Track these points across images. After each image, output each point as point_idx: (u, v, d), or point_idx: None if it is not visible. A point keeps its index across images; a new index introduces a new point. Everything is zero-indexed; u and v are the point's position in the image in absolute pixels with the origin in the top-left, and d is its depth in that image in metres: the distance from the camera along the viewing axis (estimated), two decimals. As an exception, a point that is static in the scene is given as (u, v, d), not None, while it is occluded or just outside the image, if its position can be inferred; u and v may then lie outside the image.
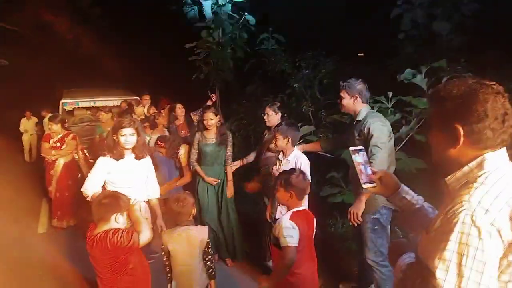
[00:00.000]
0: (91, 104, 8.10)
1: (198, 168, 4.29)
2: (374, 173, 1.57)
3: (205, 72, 9.37)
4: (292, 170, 2.70)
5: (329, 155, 4.75)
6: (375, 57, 7.46)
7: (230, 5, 8.96)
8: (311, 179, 3.49)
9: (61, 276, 4.14)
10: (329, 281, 3.64)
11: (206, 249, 2.75)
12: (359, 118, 3.13)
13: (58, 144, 5.42)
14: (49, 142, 5.43)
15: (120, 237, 2.13)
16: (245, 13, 8.92)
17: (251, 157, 4.48)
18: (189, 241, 2.70)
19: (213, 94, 7.00)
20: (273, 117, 4.21)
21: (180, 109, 5.86)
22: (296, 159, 3.41)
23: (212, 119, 4.16)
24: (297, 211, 2.58)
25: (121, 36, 14.45)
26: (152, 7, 12.93)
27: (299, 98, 7.67)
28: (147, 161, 3.50)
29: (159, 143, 4.52)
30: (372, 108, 4.09)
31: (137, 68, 13.58)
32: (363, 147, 1.65)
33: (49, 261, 4.52)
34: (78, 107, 8.11)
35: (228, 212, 4.27)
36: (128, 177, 3.31)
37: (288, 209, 2.62)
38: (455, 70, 4.39)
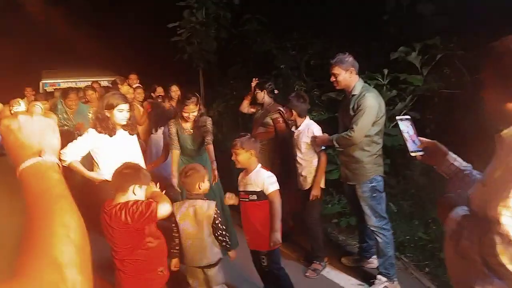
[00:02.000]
0: (72, 84, 7.84)
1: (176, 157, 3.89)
2: (421, 142, 1.60)
3: (189, 52, 9.20)
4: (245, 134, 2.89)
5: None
6: (361, 38, 7.48)
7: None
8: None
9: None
10: (331, 257, 3.70)
11: (214, 225, 2.73)
12: (355, 92, 3.14)
13: None
14: None
15: (139, 207, 2.09)
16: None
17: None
18: (195, 215, 2.68)
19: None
20: (259, 94, 4.38)
21: (174, 91, 5.73)
22: (307, 127, 3.49)
23: (193, 112, 3.74)
24: None
25: (98, 16, 13.99)
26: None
27: (285, 79, 7.67)
28: (136, 138, 3.43)
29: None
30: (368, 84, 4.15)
31: (118, 49, 13.21)
32: (409, 116, 1.68)
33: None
34: (59, 88, 7.85)
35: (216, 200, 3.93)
36: (123, 152, 3.17)
37: (252, 167, 2.83)
38: (448, 48, 4.47)
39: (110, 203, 2.22)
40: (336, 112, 4.81)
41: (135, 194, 2.22)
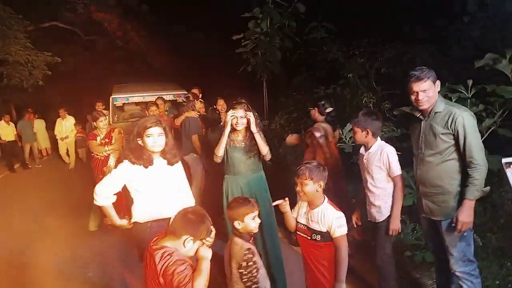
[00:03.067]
0: (140, 99, 8.06)
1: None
2: None
3: (253, 64, 9.07)
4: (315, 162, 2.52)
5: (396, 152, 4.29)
6: (437, 43, 6.78)
7: (278, -7, 8.56)
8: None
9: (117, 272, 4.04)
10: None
11: (240, 270, 2.32)
12: (439, 109, 2.67)
13: (107, 140, 5.34)
14: (96, 140, 5.35)
15: (179, 273, 1.84)
16: (295, 0, 8.48)
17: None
18: (230, 255, 2.37)
19: None
20: (312, 111, 4.33)
21: (221, 105, 5.59)
22: (381, 149, 3.01)
23: (242, 118, 3.36)
24: None
25: (168, 31, 14.52)
26: (198, 2, 12.79)
27: (353, 88, 7.18)
28: (180, 166, 3.02)
29: None
30: (450, 98, 3.61)
31: (184, 63, 13.58)
32: None
33: (102, 258, 4.46)
34: (128, 103, 8.10)
35: (269, 231, 3.41)
36: (159, 185, 2.85)
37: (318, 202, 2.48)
38: (549, 53, 3.76)
39: (158, 241, 2.01)
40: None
41: (184, 247, 1.96)
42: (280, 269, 3.45)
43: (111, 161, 5.30)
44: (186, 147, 5.24)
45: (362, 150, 3.18)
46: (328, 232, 2.40)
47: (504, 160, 1.22)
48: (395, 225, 2.98)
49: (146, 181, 2.80)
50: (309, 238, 2.48)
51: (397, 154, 3.24)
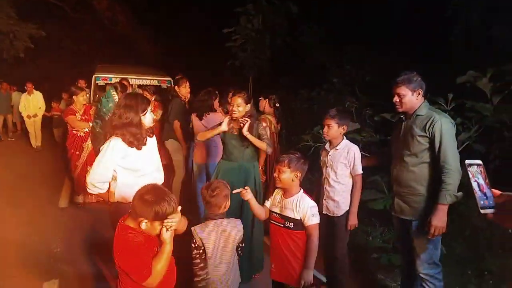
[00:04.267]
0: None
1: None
2: (495, 195, 1.23)
3: (241, 59, 9.08)
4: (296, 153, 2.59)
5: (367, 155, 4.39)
6: (424, 58, 6.96)
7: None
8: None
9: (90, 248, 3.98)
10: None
11: (240, 244, 2.51)
12: (421, 112, 2.75)
13: (86, 117, 5.28)
14: (75, 116, 5.27)
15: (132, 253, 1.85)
16: (288, 1, 8.54)
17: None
18: (225, 237, 2.41)
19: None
20: (261, 101, 4.68)
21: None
22: (347, 148, 3.09)
23: (239, 106, 3.41)
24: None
25: (157, 18, 14.34)
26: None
27: (337, 93, 7.30)
28: (154, 141, 2.92)
29: None
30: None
31: (171, 51, 13.45)
32: (481, 162, 1.29)
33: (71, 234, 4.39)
34: (110, 83, 7.95)
35: (253, 219, 3.44)
36: (151, 161, 2.79)
37: (294, 191, 2.53)
38: (528, 76, 3.92)
39: (124, 220, 2.00)
40: (389, 135, 4.41)
41: (140, 227, 1.91)
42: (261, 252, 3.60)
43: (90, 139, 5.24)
44: (166, 131, 5.19)
45: (327, 146, 3.24)
46: (301, 220, 2.44)
47: (467, 161, 1.26)
48: (354, 220, 3.11)
49: (141, 160, 2.70)
50: (282, 225, 2.51)
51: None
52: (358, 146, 3.23)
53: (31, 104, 9.41)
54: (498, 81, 4.02)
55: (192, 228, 2.37)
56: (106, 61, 9.62)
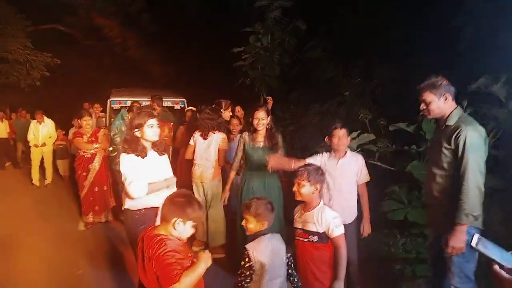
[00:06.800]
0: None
1: (232, 174, 3.98)
2: None
3: (251, 77, 9.20)
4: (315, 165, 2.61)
5: (389, 167, 4.38)
6: (433, 67, 6.98)
7: (279, 9, 8.76)
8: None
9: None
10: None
11: (290, 257, 2.46)
12: (450, 122, 2.62)
13: (93, 138, 5.46)
14: (82, 138, 5.44)
15: (165, 261, 1.90)
16: (296, 18, 8.67)
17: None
18: (278, 251, 2.38)
19: (269, 97, 6.66)
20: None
21: (239, 111, 5.70)
22: (355, 158, 3.21)
23: (263, 119, 3.65)
24: None
25: (168, 41, 14.63)
26: (200, 14, 12.97)
27: (349, 106, 7.33)
28: (167, 157, 3.24)
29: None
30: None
31: (183, 73, 13.68)
32: (480, 236, 1.27)
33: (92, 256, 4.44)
34: (125, 106, 8.11)
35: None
36: (153, 174, 3.01)
37: (314, 203, 2.52)
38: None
39: (152, 231, 2.06)
40: (404, 144, 4.41)
41: (174, 229, 2.01)
42: None
43: (97, 160, 5.37)
44: None
45: (328, 156, 3.26)
46: (325, 233, 2.45)
47: (473, 243, 1.24)
48: (369, 227, 3.23)
49: (142, 170, 2.95)
50: (306, 240, 2.52)
51: (391, 169, 3.35)
52: (375, 156, 3.28)
53: (40, 133, 8.60)
54: (511, 87, 4.03)
55: (246, 246, 2.34)
56: (120, 86, 9.82)
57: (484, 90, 4.07)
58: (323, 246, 2.46)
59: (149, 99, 8.10)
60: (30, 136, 8.60)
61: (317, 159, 3.26)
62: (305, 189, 2.49)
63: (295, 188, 2.54)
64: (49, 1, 12.94)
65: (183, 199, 2.06)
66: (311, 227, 2.50)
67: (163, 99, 8.23)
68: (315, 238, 2.47)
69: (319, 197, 2.58)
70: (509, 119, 3.95)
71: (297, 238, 2.61)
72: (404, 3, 7.17)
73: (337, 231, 2.43)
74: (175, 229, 2.01)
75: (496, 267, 1.15)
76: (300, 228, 2.59)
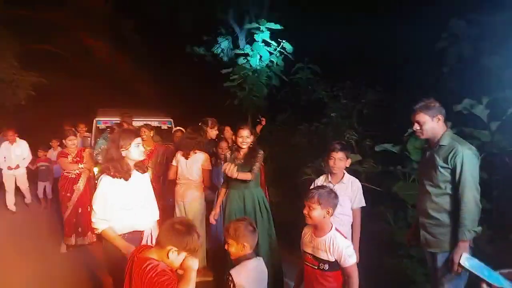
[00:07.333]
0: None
1: (222, 194, 4.00)
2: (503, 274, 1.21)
3: (240, 97, 9.25)
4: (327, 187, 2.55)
5: (376, 188, 4.38)
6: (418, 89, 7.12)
7: (268, 32, 8.91)
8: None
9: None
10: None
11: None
12: (444, 142, 2.70)
13: (78, 158, 5.36)
14: (67, 158, 5.35)
15: (158, 280, 1.83)
16: (283, 41, 8.82)
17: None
18: (262, 274, 2.34)
19: (263, 118, 6.81)
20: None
21: (228, 132, 5.70)
22: (350, 181, 3.14)
23: (248, 137, 3.74)
24: None
25: (157, 62, 14.71)
26: (189, 37, 13.11)
27: (335, 127, 7.39)
28: (148, 177, 3.09)
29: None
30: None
31: (170, 91, 13.72)
32: (468, 255, 1.29)
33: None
34: (111, 126, 8.05)
35: (268, 235, 3.68)
36: (135, 197, 2.88)
37: (326, 228, 2.42)
38: (522, 102, 4.00)
39: (144, 253, 1.99)
40: (390, 165, 4.44)
41: (168, 258, 1.93)
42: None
43: (81, 181, 5.27)
44: None
45: (323, 180, 3.27)
46: (336, 261, 2.35)
47: (461, 262, 1.25)
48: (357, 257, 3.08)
49: (125, 194, 2.81)
50: (316, 267, 2.42)
51: (376, 190, 3.34)
52: (360, 177, 3.27)
53: (13, 154, 7.60)
54: (493, 108, 4.10)
55: (230, 272, 2.28)
56: (107, 105, 9.78)
57: (468, 111, 4.13)
58: (333, 273, 2.37)
59: (137, 118, 8.11)
60: (1, 159, 7.56)
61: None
62: (316, 212, 2.37)
63: (305, 211, 2.42)
64: (39, 22, 12.97)
65: (184, 228, 1.98)
66: (322, 255, 2.39)
67: (152, 119, 8.24)
68: (326, 267, 2.37)
69: (330, 222, 2.45)
70: (492, 140, 4.01)
71: (306, 263, 2.50)
72: (391, 26, 7.35)
73: (350, 261, 2.33)
74: (168, 257, 1.93)
75: (484, 285, 1.14)
76: (310, 253, 2.47)
